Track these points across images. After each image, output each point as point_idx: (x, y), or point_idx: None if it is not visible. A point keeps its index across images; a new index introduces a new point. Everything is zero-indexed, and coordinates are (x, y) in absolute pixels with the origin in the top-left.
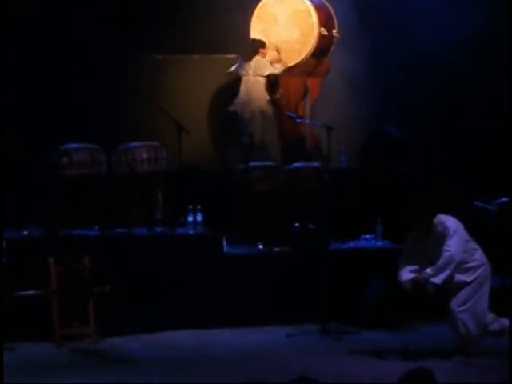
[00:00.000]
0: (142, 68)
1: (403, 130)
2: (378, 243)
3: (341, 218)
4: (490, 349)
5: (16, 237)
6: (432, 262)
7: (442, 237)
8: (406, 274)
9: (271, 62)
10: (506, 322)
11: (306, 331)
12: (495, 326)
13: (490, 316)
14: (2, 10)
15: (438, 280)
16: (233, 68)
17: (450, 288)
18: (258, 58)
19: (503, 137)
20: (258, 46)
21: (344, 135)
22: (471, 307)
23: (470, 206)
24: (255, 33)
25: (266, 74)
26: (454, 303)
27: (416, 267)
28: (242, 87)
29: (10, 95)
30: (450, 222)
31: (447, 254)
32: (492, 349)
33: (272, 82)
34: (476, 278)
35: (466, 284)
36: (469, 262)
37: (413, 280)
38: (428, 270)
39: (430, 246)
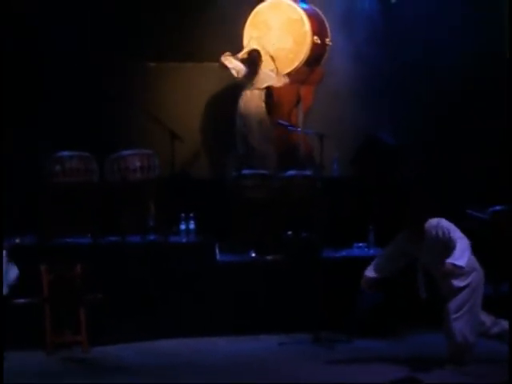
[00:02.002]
0: (136, 76)
1: (395, 138)
2: (371, 251)
3: (333, 226)
4: (482, 357)
5: (8, 244)
6: (424, 267)
7: (438, 238)
8: (371, 272)
9: (277, 73)
10: (505, 324)
11: (299, 340)
12: (495, 330)
13: (490, 319)
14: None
15: (462, 262)
16: (231, 64)
17: (444, 294)
18: (264, 71)
19: (499, 145)
20: (259, 57)
21: (337, 143)
22: (466, 313)
23: (462, 214)
24: (248, 40)
25: (263, 86)
26: (448, 310)
27: (380, 267)
28: (241, 100)
29: (3, 103)
30: (443, 222)
31: (460, 240)
32: (484, 357)
33: (267, 92)
34: (469, 284)
35: (459, 289)
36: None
37: (441, 271)
38: (448, 259)
39: (423, 251)
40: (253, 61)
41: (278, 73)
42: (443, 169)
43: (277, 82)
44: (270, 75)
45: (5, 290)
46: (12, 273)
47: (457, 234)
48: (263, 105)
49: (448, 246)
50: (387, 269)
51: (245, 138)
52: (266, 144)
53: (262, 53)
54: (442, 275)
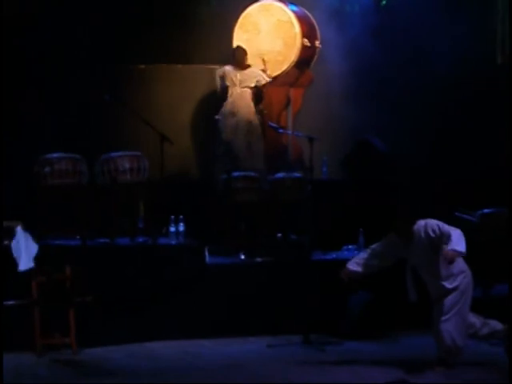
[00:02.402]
0: (125, 78)
1: (385, 141)
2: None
3: (323, 229)
4: (472, 359)
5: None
6: (413, 269)
7: (428, 239)
8: (353, 265)
9: (263, 71)
10: (496, 324)
11: (289, 342)
12: (485, 331)
13: (479, 321)
14: None
15: (462, 248)
16: (217, 76)
17: (434, 296)
18: (252, 69)
19: (490, 147)
20: (244, 54)
21: (326, 146)
22: (454, 316)
23: (451, 216)
24: (238, 42)
25: (252, 85)
26: (437, 313)
27: (365, 262)
28: (229, 99)
29: None
30: (431, 221)
31: (453, 230)
32: (474, 359)
33: (256, 92)
34: (458, 286)
35: (448, 292)
36: (450, 269)
37: (443, 255)
38: (448, 247)
39: (412, 252)
40: (238, 57)
41: (267, 75)
42: (432, 171)
43: (259, 80)
44: (258, 73)
45: (30, 264)
46: (33, 247)
47: (447, 227)
48: (252, 104)
49: (438, 247)
50: (372, 266)
51: (228, 136)
52: (254, 145)
53: (252, 55)
54: (443, 263)
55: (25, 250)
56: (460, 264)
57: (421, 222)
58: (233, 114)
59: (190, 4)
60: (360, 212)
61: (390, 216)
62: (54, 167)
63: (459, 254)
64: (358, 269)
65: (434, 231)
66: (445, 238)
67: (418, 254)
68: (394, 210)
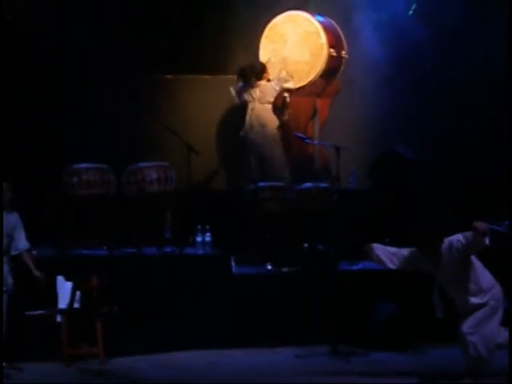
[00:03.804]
0: (152, 88)
1: (412, 150)
2: None
3: (350, 239)
4: (500, 370)
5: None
6: (442, 288)
7: (457, 251)
8: (379, 249)
9: (279, 79)
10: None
11: (315, 352)
12: (500, 339)
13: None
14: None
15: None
16: (233, 91)
17: (463, 311)
18: (264, 83)
19: None
20: (261, 70)
21: (353, 156)
22: (482, 328)
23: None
24: (265, 53)
25: (271, 100)
26: (465, 326)
27: (390, 254)
28: (251, 114)
29: (21, 114)
30: (451, 237)
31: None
32: (502, 370)
33: (280, 103)
34: (488, 301)
35: (479, 306)
36: (480, 284)
37: (473, 227)
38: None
39: (440, 270)
40: (254, 73)
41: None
42: (459, 182)
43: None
44: (274, 88)
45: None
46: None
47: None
48: (275, 118)
49: (468, 258)
50: (393, 262)
51: (258, 149)
52: (277, 156)
53: (279, 66)
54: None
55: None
56: (489, 279)
57: (445, 241)
58: (256, 128)
59: (217, 15)
60: (386, 222)
61: (415, 237)
62: (82, 177)
63: (488, 228)
64: (382, 254)
65: (460, 241)
66: (471, 235)
67: (446, 271)
68: (420, 233)
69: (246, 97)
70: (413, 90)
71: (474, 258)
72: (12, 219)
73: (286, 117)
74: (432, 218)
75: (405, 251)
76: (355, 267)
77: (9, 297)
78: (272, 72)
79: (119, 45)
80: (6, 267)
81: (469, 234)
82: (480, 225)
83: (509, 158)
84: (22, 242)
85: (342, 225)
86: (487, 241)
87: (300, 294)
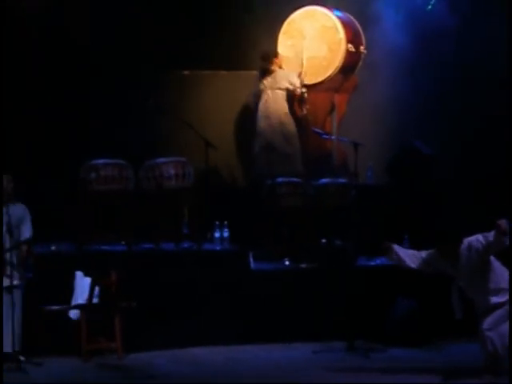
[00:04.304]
0: (170, 84)
1: (430, 145)
2: None
3: (368, 235)
4: None
5: (44, 251)
6: (462, 289)
7: (476, 252)
8: (400, 249)
9: (299, 75)
10: None
11: (333, 348)
12: None
13: None
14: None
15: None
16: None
17: (482, 310)
18: (277, 70)
19: None
20: (270, 57)
21: (371, 151)
22: (500, 327)
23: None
24: (283, 48)
25: (284, 86)
26: (484, 323)
27: (410, 255)
28: (262, 105)
29: (40, 110)
30: (471, 240)
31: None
32: None
33: (299, 97)
34: (506, 301)
35: (498, 305)
36: (499, 283)
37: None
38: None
39: (460, 271)
40: (264, 63)
41: (301, 77)
42: (476, 180)
43: (292, 83)
44: (289, 74)
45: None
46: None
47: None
48: (286, 105)
49: (487, 258)
50: (413, 262)
51: (264, 135)
52: (289, 144)
53: (296, 60)
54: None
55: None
56: (508, 277)
57: (464, 242)
58: (266, 116)
59: (234, 10)
60: (405, 218)
61: (434, 238)
62: (100, 173)
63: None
64: (401, 253)
65: (480, 242)
66: (492, 235)
67: (465, 272)
68: (438, 234)
69: (261, 85)
70: (434, 84)
71: (492, 258)
72: (19, 210)
73: (304, 112)
74: (450, 218)
75: (423, 253)
76: (373, 263)
77: (22, 290)
78: (292, 66)
79: (137, 41)
80: (14, 260)
81: (489, 234)
82: (504, 223)
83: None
84: (23, 234)
85: (360, 220)
86: (507, 241)
87: (318, 289)
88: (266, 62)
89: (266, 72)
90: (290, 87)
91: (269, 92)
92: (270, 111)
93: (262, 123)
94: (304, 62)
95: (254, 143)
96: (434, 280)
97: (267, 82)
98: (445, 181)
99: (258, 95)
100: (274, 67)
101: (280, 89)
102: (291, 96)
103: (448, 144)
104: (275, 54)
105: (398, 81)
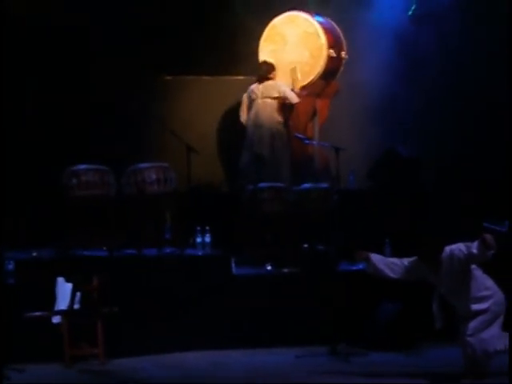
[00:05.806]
0: (152, 89)
1: (413, 150)
2: None
3: (350, 239)
4: (499, 371)
5: (25, 258)
6: (442, 296)
7: (458, 260)
8: (376, 257)
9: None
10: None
11: (315, 353)
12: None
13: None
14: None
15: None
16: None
17: (464, 317)
18: (269, 82)
19: None
20: (268, 69)
21: (352, 156)
22: (481, 333)
23: (479, 228)
24: (264, 54)
25: (274, 96)
26: (465, 328)
27: (389, 263)
28: (253, 112)
29: (20, 116)
30: (453, 246)
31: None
32: (502, 370)
33: (288, 106)
34: (490, 306)
35: (480, 312)
36: (481, 291)
37: (482, 240)
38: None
39: (441, 279)
40: (262, 72)
41: (294, 87)
42: (458, 182)
43: (281, 92)
44: (281, 84)
45: None
46: None
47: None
48: (277, 115)
49: (468, 267)
50: (393, 270)
51: (253, 147)
52: (279, 154)
53: (278, 66)
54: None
55: None
56: (490, 285)
57: (446, 250)
58: (256, 125)
59: (217, 16)
60: (387, 222)
61: (416, 245)
62: (81, 179)
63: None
64: (379, 263)
65: (462, 251)
66: (476, 247)
67: (447, 279)
68: (420, 241)
69: (252, 94)
70: (415, 89)
71: (474, 266)
72: None
73: (286, 117)
74: (432, 224)
75: (405, 261)
76: (355, 268)
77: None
78: (283, 77)
79: (119, 45)
80: None
81: (473, 245)
82: (489, 238)
83: (509, 158)
84: None
85: (342, 225)
86: (491, 255)
87: (300, 294)
88: (268, 71)
89: (262, 80)
90: (281, 95)
91: (259, 101)
92: (261, 120)
93: (251, 134)
94: (299, 76)
95: (242, 156)
96: (416, 285)
97: (258, 90)
98: (430, 184)
99: (251, 98)
100: (271, 77)
101: (270, 97)
102: (281, 105)
103: (432, 147)
104: (273, 67)
105: (379, 85)
